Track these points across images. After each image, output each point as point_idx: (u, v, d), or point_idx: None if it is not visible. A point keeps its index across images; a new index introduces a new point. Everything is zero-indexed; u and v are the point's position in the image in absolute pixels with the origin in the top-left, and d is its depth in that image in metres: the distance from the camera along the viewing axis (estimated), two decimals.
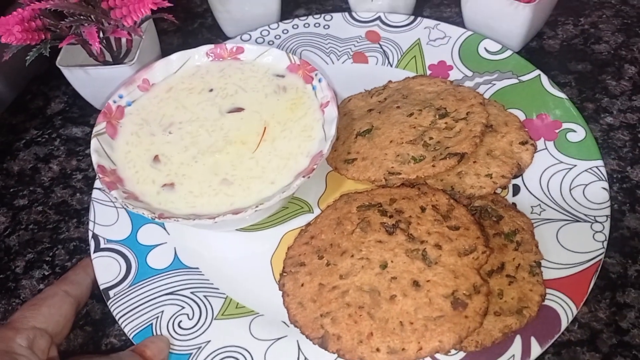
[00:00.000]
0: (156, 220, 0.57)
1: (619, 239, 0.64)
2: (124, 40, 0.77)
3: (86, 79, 0.74)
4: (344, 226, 0.61)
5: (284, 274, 0.61)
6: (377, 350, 0.52)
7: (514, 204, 0.65)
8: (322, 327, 0.55)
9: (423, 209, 0.60)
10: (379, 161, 0.66)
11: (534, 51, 0.85)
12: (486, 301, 0.53)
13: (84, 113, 0.86)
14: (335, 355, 0.54)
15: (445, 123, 0.67)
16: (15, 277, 0.70)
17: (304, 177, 0.58)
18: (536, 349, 0.54)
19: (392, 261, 0.56)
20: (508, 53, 0.77)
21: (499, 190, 0.66)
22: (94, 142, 0.63)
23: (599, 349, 0.57)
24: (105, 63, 0.76)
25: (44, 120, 0.86)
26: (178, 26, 0.97)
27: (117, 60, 0.77)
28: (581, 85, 0.80)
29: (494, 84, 0.75)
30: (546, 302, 0.56)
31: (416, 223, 0.59)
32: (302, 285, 0.58)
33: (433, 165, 0.63)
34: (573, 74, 0.82)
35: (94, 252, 0.65)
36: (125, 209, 0.68)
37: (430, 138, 0.66)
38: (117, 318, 0.61)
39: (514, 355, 0.54)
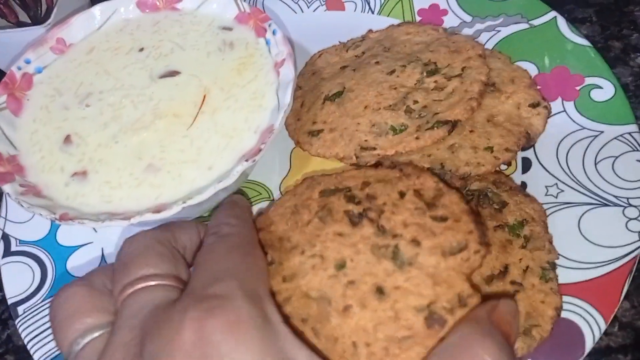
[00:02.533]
0: (57, 222, 0.44)
1: None
2: None
3: None
4: (300, 215, 0.47)
5: None
6: None
7: (524, 184, 0.51)
8: None
9: (402, 195, 0.45)
10: (349, 133, 0.52)
11: None
12: None
13: None
14: None
15: (435, 82, 0.53)
16: None
17: (247, 161, 0.45)
18: None
19: (352, 260, 0.42)
20: None
21: (503, 168, 0.52)
22: None
23: None
24: (19, 25, 0.62)
25: None
26: None
27: (36, 21, 0.63)
28: (604, 20, 0.67)
29: (499, 31, 0.61)
30: (565, 314, 0.44)
31: (390, 212, 0.44)
32: None
33: (417, 137, 0.49)
34: (593, 6, 0.68)
35: (3, 256, 0.54)
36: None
37: (415, 102, 0.52)
38: (25, 341, 0.49)
39: None
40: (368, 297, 0.40)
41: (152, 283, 0.38)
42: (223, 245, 0.41)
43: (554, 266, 0.45)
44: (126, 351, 0.35)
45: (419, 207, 0.44)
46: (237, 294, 0.35)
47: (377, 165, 0.50)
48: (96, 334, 0.38)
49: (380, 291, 0.40)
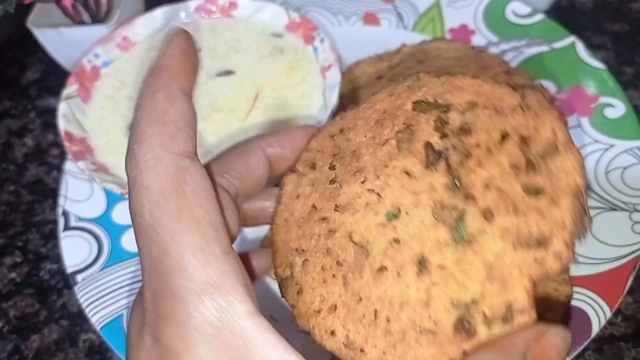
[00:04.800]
0: (126, 196, 0.49)
1: None
2: None
3: (60, 41, 0.66)
4: (383, 128, 0.38)
5: (292, 171, 0.40)
6: (332, 333, 0.34)
7: None
8: (291, 266, 0.37)
9: (504, 137, 0.33)
10: None
11: (564, 10, 0.76)
12: None
13: (63, 82, 0.78)
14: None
15: None
16: None
17: None
18: None
19: (407, 213, 0.34)
20: (539, 17, 0.68)
21: None
22: (62, 106, 0.56)
23: None
24: (82, 24, 0.68)
25: (18, 90, 0.79)
26: None
27: (97, 21, 0.69)
28: (618, 48, 0.72)
29: (522, 52, 0.66)
30: (575, 302, 0.49)
31: (477, 161, 0.33)
32: (298, 197, 0.39)
33: None
34: (609, 34, 0.74)
35: (63, 230, 0.58)
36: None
37: None
38: (83, 306, 0.54)
39: None
40: (407, 266, 0.33)
41: None
42: (142, 202, 0.28)
43: None
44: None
45: (516, 164, 0.33)
46: (187, 298, 0.27)
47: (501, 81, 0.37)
48: None
49: (422, 264, 0.33)
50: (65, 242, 0.58)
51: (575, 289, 0.49)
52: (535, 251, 0.31)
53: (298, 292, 0.36)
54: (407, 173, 0.35)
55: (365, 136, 0.38)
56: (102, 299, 0.54)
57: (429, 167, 0.34)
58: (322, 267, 0.35)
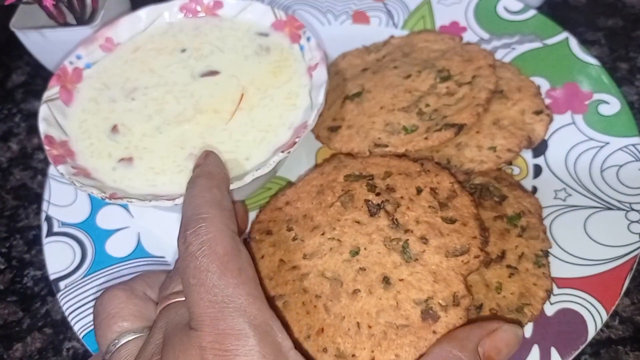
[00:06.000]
0: (107, 200, 0.48)
1: None
2: None
3: (44, 43, 0.65)
4: (325, 196, 0.51)
5: (248, 239, 0.53)
6: (324, 350, 0.44)
7: (535, 188, 0.55)
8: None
9: (419, 191, 0.50)
10: (365, 130, 0.57)
11: (557, 6, 0.76)
12: (464, 317, 0.43)
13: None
14: None
15: (447, 88, 0.58)
16: None
17: (282, 152, 0.49)
18: None
19: (365, 248, 0.46)
20: (531, 13, 0.67)
21: (516, 172, 0.56)
22: (43, 109, 0.55)
23: None
24: (66, 25, 0.67)
25: (4, 93, 0.78)
26: None
27: (81, 22, 0.68)
28: (612, 43, 0.72)
29: (514, 48, 0.65)
30: (571, 306, 0.48)
31: (406, 207, 0.48)
32: (263, 257, 0.50)
33: (425, 138, 0.54)
34: (602, 30, 0.73)
35: (46, 236, 0.57)
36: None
37: (427, 105, 0.57)
38: (66, 314, 0.53)
39: None
40: (375, 285, 0.45)
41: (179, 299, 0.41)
42: (209, 261, 0.37)
43: (546, 254, 0.49)
44: (155, 348, 0.38)
45: (432, 205, 0.48)
46: (250, 333, 0.35)
47: (401, 156, 0.54)
48: (130, 338, 0.41)
49: (386, 281, 0.45)
50: (49, 248, 0.57)
51: (570, 291, 0.48)
52: (461, 257, 0.45)
53: (285, 328, 0.42)
54: (357, 222, 0.48)
55: (312, 203, 0.51)
56: (85, 306, 0.53)
57: (372, 215, 0.48)
58: (303, 302, 0.46)
